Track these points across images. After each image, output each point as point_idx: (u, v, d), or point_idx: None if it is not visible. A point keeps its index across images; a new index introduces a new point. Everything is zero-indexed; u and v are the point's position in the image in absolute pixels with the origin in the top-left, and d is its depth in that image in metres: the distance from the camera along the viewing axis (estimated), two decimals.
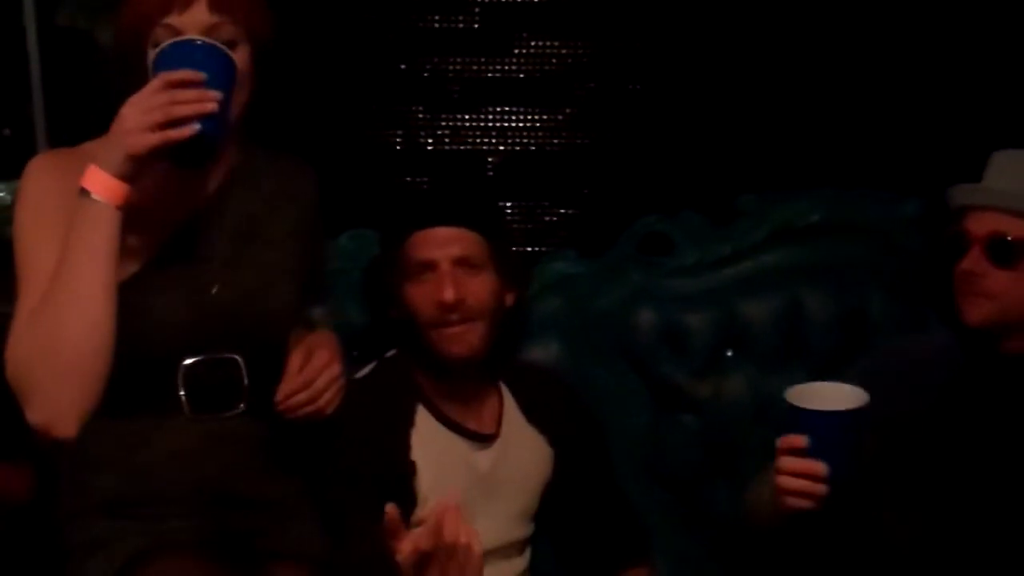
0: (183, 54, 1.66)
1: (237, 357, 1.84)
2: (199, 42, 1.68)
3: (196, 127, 1.61)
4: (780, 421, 1.75)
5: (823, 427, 1.69)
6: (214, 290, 1.80)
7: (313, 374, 1.81)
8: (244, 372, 1.84)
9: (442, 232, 2.01)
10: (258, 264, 1.85)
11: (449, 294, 1.97)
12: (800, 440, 1.70)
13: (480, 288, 2.01)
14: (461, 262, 2.00)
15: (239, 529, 1.87)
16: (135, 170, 1.64)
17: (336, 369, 1.85)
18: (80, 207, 1.65)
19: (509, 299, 2.09)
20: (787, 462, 1.71)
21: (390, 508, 1.58)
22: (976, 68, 2.53)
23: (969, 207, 2.01)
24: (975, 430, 1.97)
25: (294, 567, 1.89)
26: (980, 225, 1.99)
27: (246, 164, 1.89)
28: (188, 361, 1.81)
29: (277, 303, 1.87)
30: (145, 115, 1.61)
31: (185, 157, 1.66)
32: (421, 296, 2.00)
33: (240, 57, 1.74)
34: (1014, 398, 1.99)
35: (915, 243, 2.32)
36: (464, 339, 2.00)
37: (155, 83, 1.63)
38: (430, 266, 2.00)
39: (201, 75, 1.63)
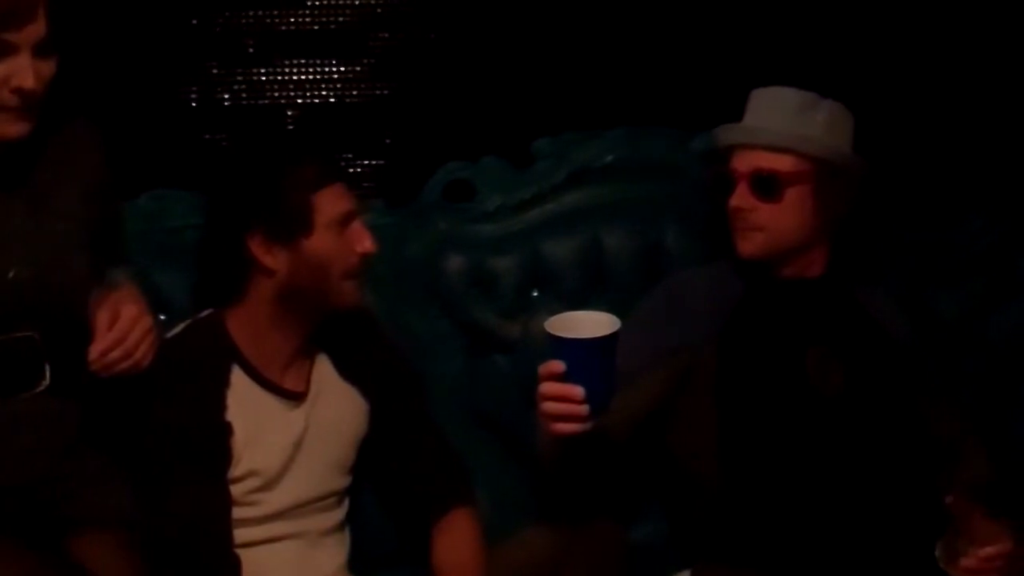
0: None
1: (34, 335, 1.79)
2: None
3: None
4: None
5: (578, 353, 1.75)
6: (11, 274, 1.75)
7: (125, 328, 1.77)
8: (43, 349, 1.80)
9: (343, 186, 2.03)
10: (50, 237, 1.80)
11: (374, 243, 2.02)
12: (558, 366, 1.75)
13: None
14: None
15: (43, 501, 1.84)
16: None
17: (147, 321, 1.81)
18: None
19: None
20: (547, 387, 1.76)
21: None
22: (749, 10, 2.64)
23: (733, 146, 2.11)
24: (756, 352, 2.08)
25: (101, 533, 1.87)
26: (744, 162, 2.09)
27: (29, 135, 1.79)
28: None
29: (73, 276, 1.82)
30: None
31: None
32: (341, 247, 2.00)
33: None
34: (790, 321, 2.11)
35: (704, 177, 2.40)
36: (362, 289, 2.05)
37: None
38: (349, 218, 2.01)
39: None
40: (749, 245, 2.10)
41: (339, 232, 2.00)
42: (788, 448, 2.04)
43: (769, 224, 2.08)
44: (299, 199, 1.98)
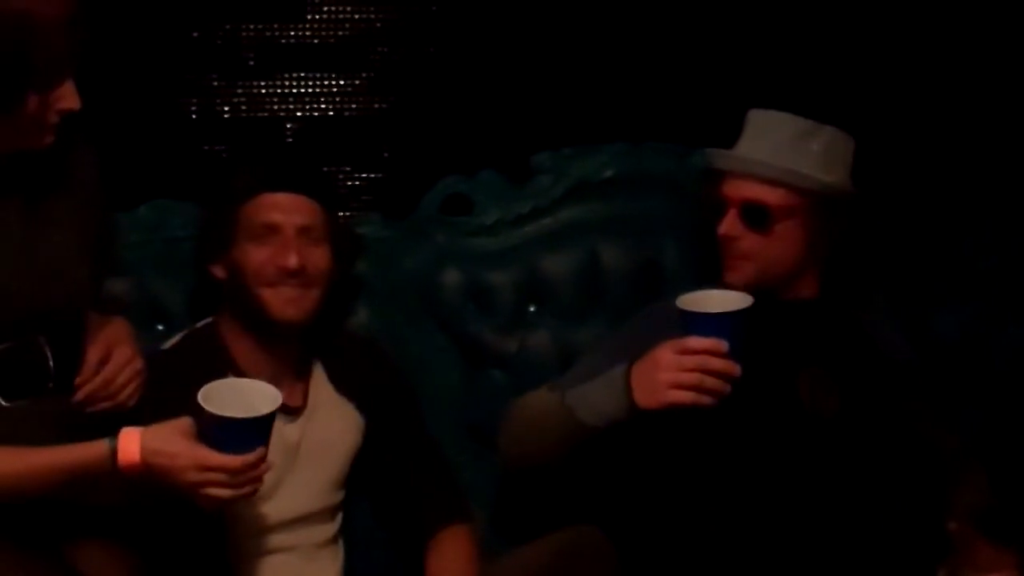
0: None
1: (41, 339, 1.80)
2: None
3: None
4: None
5: (737, 329, 1.80)
6: (13, 286, 1.77)
7: (114, 372, 1.82)
8: (50, 353, 1.81)
9: (288, 198, 2.04)
10: (49, 247, 1.81)
11: (293, 261, 2.00)
12: (723, 345, 1.78)
13: (320, 258, 2.05)
14: (304, 231, 2.03)
15: (47, 512, 1.83)
16: None
17: (138, 364, 1.86)
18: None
19: (336, 272, 2.12)
20: (714, 363, 1.79)
21: None
22: (752, 26, 2.64)
23: (727, 171, 2.08)
24: (749, 374, 2.05)
25: (100, 549, 1.87)
26: (736, 190, 2.06)
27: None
28: None
29: (73, 283, 1.84)
30: None
31: None
32: (260, 257, 2.01)
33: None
34: (783, 343, 2.08)
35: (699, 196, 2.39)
36: (300, 303, 2.03)
37: None
38: (274, 230, 2.01)
39: None
40: (737, 274, 2.07)
41: (261, 242, 2.02)
42: (782, 471, 2.02)
43: (757, 254, 2.05)
44: (227, 210, 2.04)
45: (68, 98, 1.73)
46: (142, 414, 1.91)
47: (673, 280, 2.38)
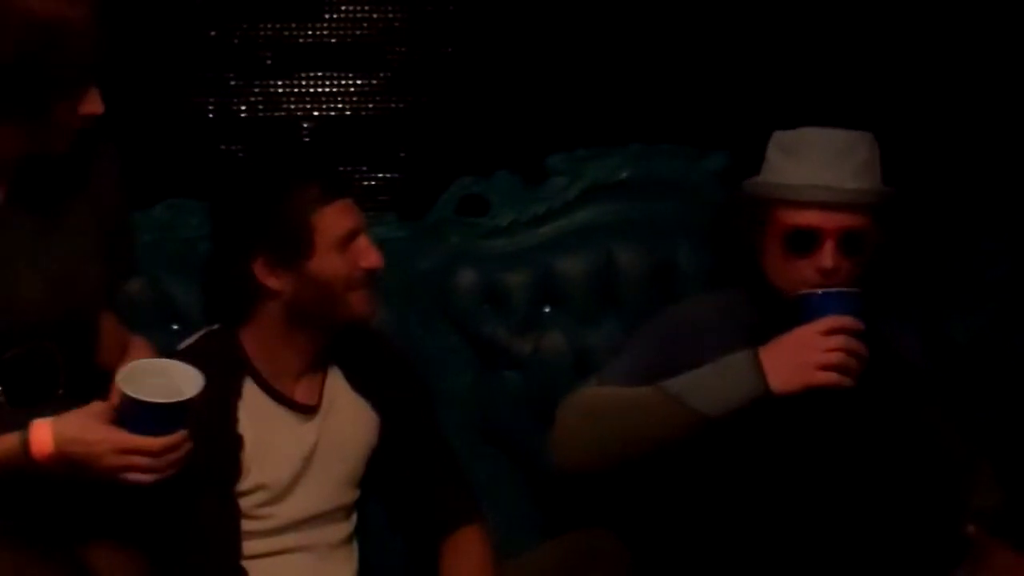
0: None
1: (52, 346, 1.81)
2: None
3: None
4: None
5: (860, 309, 1.90)
6: (24, 291, 1.77)
7: None
8: (60, 359, 1.82)
9: (348, 202, 2.02)
10: (64, 253, 1.82)
11: (379, 258, 2.00)
12: (860, 323, 1.87)
13: None
14: (364, 230, 2.04)
15: (60, 512, 1.84)
16: None
17: None
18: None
19: None
20: (855, 342, 1.87)
21: None
22: (766, 29, 2.64)
23: (821, 204, 2.00)
24: None
25: (113, 548, 1.87)
26: (834, 221, 2.00)
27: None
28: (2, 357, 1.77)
29: (87, 288, 1.84)
30: None
31: None
32: (349, 263, 1.99)
33: None
34: None
35: (719, 196, 2.36)
36: (375, 300, 2.05)
37: None
38: (354, 234, 2.00)
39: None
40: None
41: (342, 250, 1.99)
42: (797, 474, 2.02)
43: (847, 279, 2.01)
44: (299, 222, 1.97)
45: (93, 102, 1.73)
46: None
47: (687, 282, 2.38)
